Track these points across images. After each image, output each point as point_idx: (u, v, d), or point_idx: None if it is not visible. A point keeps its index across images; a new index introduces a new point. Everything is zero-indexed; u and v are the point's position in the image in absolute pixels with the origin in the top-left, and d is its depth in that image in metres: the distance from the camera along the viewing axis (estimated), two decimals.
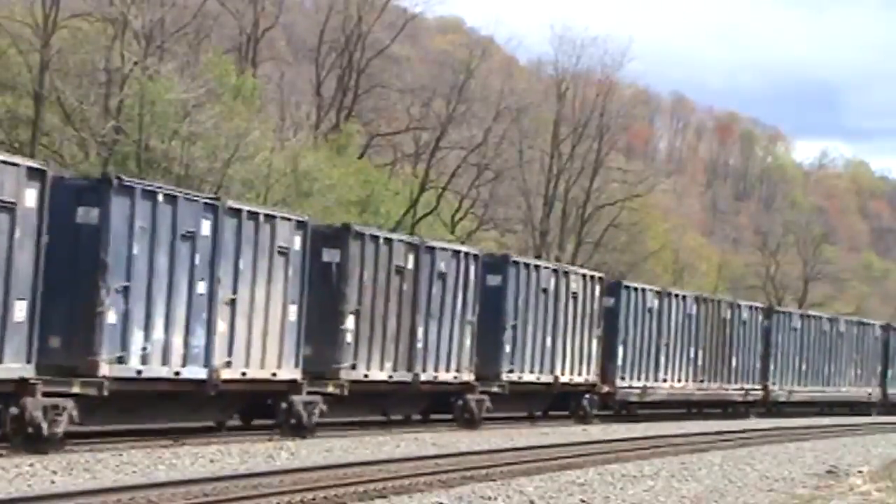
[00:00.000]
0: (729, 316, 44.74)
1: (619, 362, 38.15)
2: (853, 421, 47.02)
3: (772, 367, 47.98)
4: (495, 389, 31.86)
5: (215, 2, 50.66)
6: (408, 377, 28.57)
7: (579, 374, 35.92)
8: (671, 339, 40.86)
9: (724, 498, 19.99)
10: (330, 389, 25.84)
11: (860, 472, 24.98)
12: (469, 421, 30.73)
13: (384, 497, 16.82)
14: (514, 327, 32.79)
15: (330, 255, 26.45)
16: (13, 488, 15.65)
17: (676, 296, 42.04)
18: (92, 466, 18.08)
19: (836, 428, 41.85)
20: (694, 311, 42.31)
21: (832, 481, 23.61)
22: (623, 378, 38.39)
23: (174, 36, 43.24)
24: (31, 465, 17.65)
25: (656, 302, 40.18)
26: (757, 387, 46.93)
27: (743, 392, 46.00)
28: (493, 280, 32.17)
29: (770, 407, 48.05)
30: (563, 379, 35.06)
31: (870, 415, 53.44)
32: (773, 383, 48.05)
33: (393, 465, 20.30)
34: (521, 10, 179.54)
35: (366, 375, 27.10)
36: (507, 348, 32.60)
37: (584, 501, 18.11)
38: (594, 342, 36.66)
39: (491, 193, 60.93)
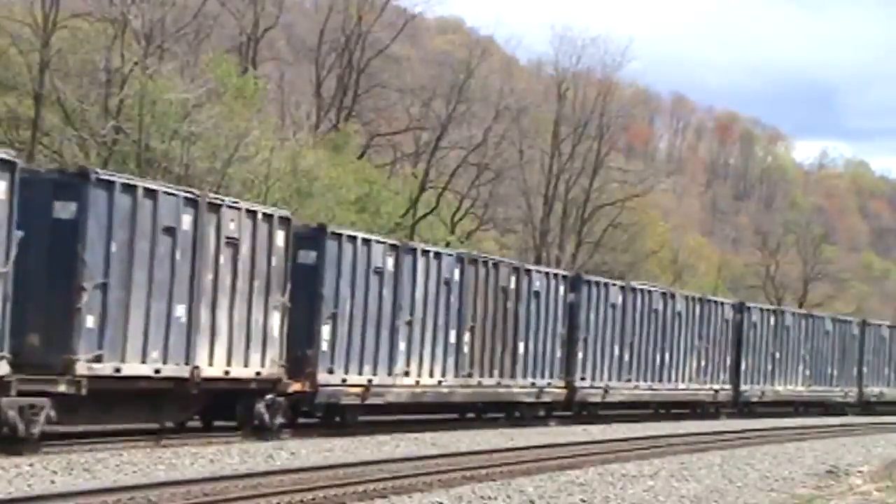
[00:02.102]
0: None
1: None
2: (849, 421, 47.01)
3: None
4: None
5: (215, 2, 50.66)
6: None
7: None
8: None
9: (724, 498, 20.00)
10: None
11: (860, 472, 25.00)
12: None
13: (384, 497, 16.83)
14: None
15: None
16: (13, 488, 15.66)
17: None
18: (92, 466, 18.09)
19: (836, 428, 41.83)
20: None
21: (832, 481, 23.62)
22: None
23: (174, 36, 43.21)
24: (30, 465, 17.66)
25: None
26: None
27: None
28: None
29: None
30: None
31: (717, 417, 43.93)
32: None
33: (393, 465, 20.31)
34: (521, 10, 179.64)
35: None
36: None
37: (584, 501, 18.12)
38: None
39: (491, 193, 60.92)
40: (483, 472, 20.35)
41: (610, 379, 37.52)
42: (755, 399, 46.57)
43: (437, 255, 30.19)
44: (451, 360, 30.35)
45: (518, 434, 30.00)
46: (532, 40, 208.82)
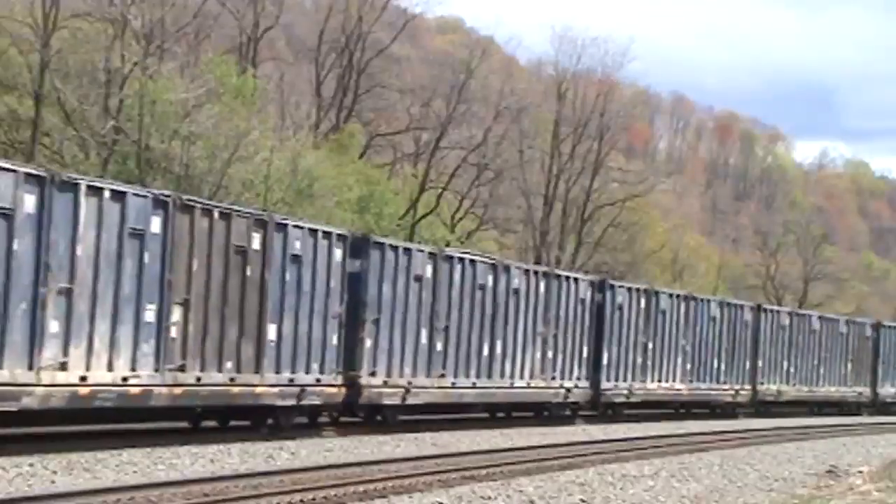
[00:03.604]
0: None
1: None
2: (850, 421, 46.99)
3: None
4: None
5: (215, 2, 50.71)
6: None
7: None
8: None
9: (724, 498, 20.00)
10: None
11: (860, 472, 24.99)
12: None
13: (384, 497, 16.83)
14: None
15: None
16: (13, 488, 15.66)
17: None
18: (92, 466, 18.09)
19: (836, 428, 41.82)
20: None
21: (832, 481, 23.62)
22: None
23: (174, 36, 43.22)
24: (30, 465, 17.65)
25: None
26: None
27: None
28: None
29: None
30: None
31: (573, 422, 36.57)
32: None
33: (393, 465, 20.30)
34: (521, 10, 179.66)
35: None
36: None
37: (584, 501, 18.12)
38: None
39: (491, 193, 60.96)
40: (483, 472, 20.35)
41: (415, 374, 28.76)
42: (621, 399, 38.10)
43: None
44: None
45: (518, 434, 30.00)
46: (532, 40, 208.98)
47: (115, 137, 37.87)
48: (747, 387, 45.02)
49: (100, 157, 37.57)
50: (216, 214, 22.64)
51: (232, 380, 23.04)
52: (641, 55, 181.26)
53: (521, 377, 33.02)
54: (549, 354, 34.28)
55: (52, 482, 16.42)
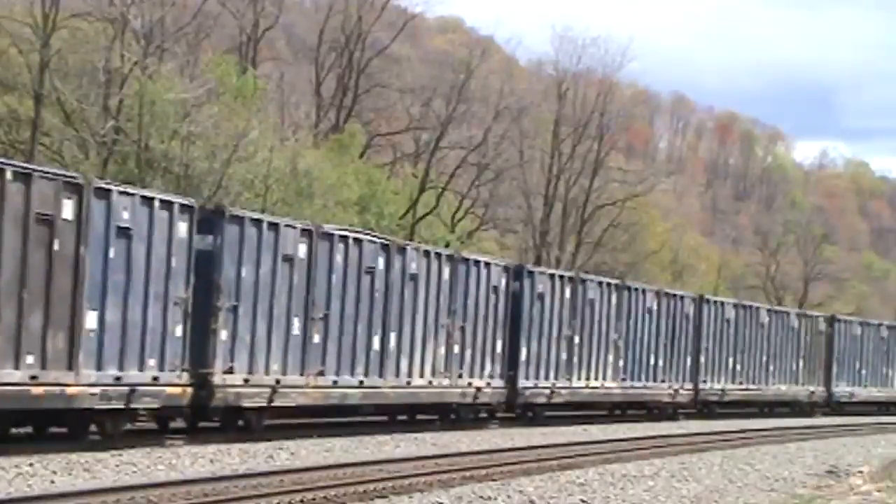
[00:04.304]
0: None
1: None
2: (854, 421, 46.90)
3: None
4: None
5: (215, 2, 50.69)
6: None
7: None
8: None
9: (724, 498, 20.00)
10: None
11: (860, 472, 24.98)
12: None
13: (384, 497, 16.83)
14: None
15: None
16: (13, 488, 15.65)
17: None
18: (92, 466, 18.08)
19: (836, 428, 41.80)
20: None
21: (832, 481, 23.62)
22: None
23: (174, 36, 43.23)
24: (30, 465, 17.65)
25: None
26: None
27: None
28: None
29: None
30: None
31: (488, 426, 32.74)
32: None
33: (393, 465, 20.29)
34: (521, 10, 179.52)
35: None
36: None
37: (584, 501, 18.12)
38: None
39: (491, 193, 60.95)
40: (483, 472, 20.34)
41: (284, 372, 25.10)
42: (540, 400, 34.33)
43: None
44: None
45: (518, 434, 29.99)
46: (532, 40, 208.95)
47: (114, 137, 37.87)
48: (688, 386, 41.44)
49: (99, 157, 37.57)
50: (8, 174, 18.74)
51: (33, 378, 19.00)
52: (641, 55, 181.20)
53: (421, 375, 29.18)
54: (456, 349, 30.31)
55: (52, 482, 16.42)
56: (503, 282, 32.23)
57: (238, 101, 41.81)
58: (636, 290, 38.84)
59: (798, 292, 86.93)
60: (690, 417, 41.31)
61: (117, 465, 18.48)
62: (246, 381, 23.74)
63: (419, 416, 30.26)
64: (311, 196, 42.85)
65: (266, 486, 16.88)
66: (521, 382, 33.08)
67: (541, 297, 33.77)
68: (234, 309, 23.42)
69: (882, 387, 54.60)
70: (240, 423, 24.13)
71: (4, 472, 16.78)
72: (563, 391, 34.84)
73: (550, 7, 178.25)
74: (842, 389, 51.99)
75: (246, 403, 23.90)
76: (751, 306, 47.16)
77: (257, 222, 24.08)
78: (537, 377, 33.78)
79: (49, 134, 39.10)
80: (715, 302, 44.09)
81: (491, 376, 31.85)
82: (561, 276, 35.32)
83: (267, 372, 24.33)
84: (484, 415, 32.11)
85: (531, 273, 33.77)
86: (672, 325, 40.35)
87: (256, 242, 23.87)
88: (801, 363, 48.98)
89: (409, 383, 28.73)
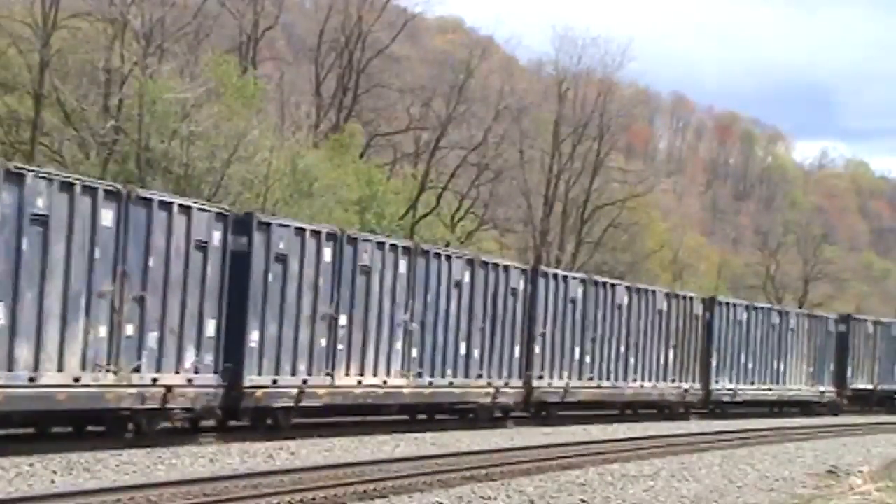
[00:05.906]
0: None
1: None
2: (854, 421, 46.92)
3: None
4: None
5: (215, 2, 50.70)
6: None
7: None
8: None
9: (724, 498, 20.00)
10: None
11: (860, 472, 24.97)
12: None
13: (384, 497, 16.83)
14: None
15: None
16: (13, 488, 15.65)
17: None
18: (92, 466, 18.08)
19: (836, 428, 41.81)
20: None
21: (832, 481, 23.62)
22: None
23: (174, 36, 43.23)
24: (30, 465, 17.65)
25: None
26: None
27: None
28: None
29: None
30: None
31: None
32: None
33: (393, 465, 20.30)
34: (521, 10, 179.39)
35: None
36: None
37: (584, 501, 18.12)
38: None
39: (491, 193, 60.91)
40: (483, 472, 20.34)
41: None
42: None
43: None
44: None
45: (518, 434, 29.99)
46: (532, 40, 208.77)
47: (114, 137, 37.87)
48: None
49: (100, 157, 37.57)
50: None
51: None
52: (641, 55, 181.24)
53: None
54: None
55: (52, 482, 16.42)
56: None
57: (238, 101, 41.78)
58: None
59: (798, 292, 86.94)
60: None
61: (117, 465, 18.48)
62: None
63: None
64: (311, 196, 42.86)
65: (266, 486, 16.88)
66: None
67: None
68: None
69: None
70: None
71: (4, 472, 16.78)
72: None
73: (550, 7, 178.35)
74: (722, 386, 43.60)
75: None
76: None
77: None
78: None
79: (49, 134, 39.11)
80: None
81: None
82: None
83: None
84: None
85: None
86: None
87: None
88: (669, 355, 40.15)
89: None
